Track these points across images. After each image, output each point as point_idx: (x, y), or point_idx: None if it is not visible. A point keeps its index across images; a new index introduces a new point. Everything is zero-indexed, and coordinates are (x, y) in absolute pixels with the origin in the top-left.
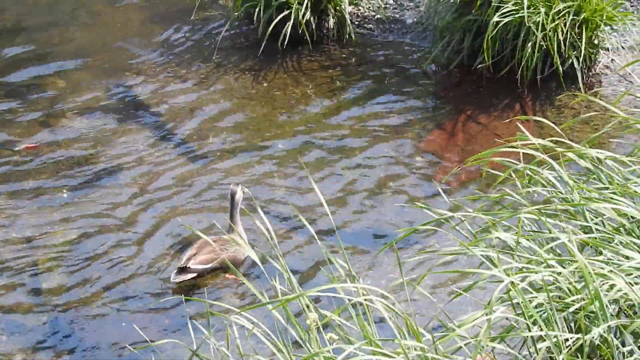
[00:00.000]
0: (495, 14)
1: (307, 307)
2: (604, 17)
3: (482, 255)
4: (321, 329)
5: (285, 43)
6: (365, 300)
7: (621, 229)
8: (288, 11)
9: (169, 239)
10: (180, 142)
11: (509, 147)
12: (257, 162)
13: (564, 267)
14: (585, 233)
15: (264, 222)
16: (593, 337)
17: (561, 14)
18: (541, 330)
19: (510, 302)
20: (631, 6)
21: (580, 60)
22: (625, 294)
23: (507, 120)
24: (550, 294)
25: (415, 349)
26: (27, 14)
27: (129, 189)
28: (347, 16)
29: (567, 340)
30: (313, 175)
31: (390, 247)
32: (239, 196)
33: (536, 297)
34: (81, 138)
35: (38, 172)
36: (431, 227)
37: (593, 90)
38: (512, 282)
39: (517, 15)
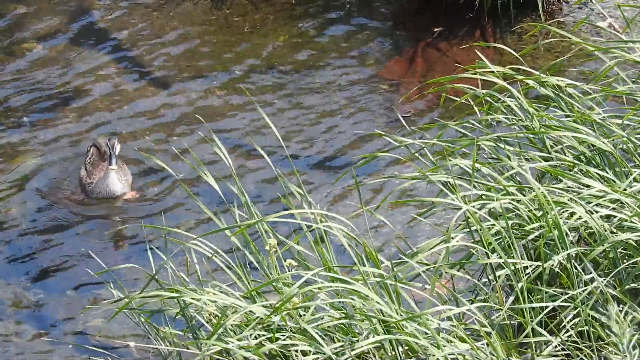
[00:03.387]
0: None
1: (266, 232)
2: None
3: (441, 182)
4: (280, 255)
5: None
6: (323, 226)
7: (581, 157)
8: None
9: (136, 171)
10: (140, 68)
11: (469, 74)
12: (216, 89)
13: (524, 195)
14: (546, 161)
15: (221, 148)
16: (552, 265)
17: None
18: (500, 258)
19: (469, 230)
20: None
21: None
22: (585, 221)
23: (466, 46)
24: (510, 222)
25: (374, 276)
26: None
27: (89, 116)
28: None
29: (526, 268)
30: (272, 103)
31: (349, 175)
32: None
33: (494, 224)
34: (42, 65)
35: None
36: (391, 155)
37: (554, 19)
38: (469, 210)
39: None
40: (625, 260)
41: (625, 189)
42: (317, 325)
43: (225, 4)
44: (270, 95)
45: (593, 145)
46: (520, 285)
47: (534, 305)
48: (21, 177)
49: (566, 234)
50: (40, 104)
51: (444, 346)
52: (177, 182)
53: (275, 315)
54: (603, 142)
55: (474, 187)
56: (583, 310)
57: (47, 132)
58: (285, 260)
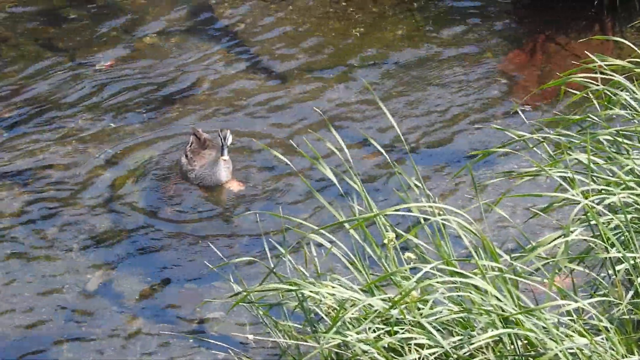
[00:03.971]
0: None
1: (384, 226)
2: None
3: (559, 177)
4: (398, 248)
5: None
6: (441, 219)
7: None
8: None
9: (245, 159)
10: (257, 61)
11: (587, 68)
12: (334, 82)
13: None
14: None
15: (339, 141)
16: None
17: None
18: (619, 252)
19: (588, 224)
20: None
21: None
22: None
23: (585, 40)
24: (629, 216)
25: (493, 270)
26: None
27: (205, 110)
28: None
29: None
30: (389, 97)
31: (467, 168)
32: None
33: (613, 219)
34: (161, 56)
35: (119, 90)
36: (509, 150)
37: None
38: (588, 204)
39: None
40: None
41: None
42: (436, 319)
43: None
44: (387, 88)
45: None
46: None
47: None
48: (139, 167)
49: None
50: (158, 97)
51: (563, 341)
52: (292, 174)
53: (393, 309)
54: None
55: (593, 181)
56: None
57: (164, 124)
58: (403, 254)
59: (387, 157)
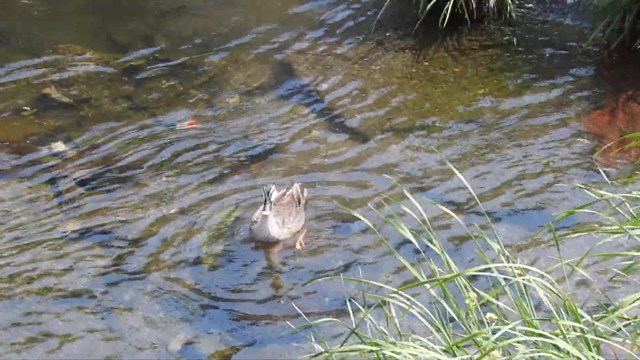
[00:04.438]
0: None
1: (465, 287)
2: None
3: None
4: (479, 308)
5: (445, 22)
6: (522, 280)
7: None
8: None
9: (329, 219)
10: (339, 120)
11: None
12: (415, 142)
13: None
14: None
15: (413, 202)
16: None
17: None
18: None
19: None
20: None
21: None
22: None
23: None
24: None
25: (574, 330)
26: None
27: (288, 168)
28: None
29: None
30: (471, 155)
31: (548, 227)
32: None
33: None
34: (242, 116)
35: (199, 149)
36: (592, 211)
37: None
38: None
39: None
40: None
41: None
42: None
43: (426, 57)
44: (468, 147)
45: None
46: None
47: None
48: (219, 226)
49: None
50: (238, 156)
51: None
52: (370, 233)
53: None
54: None
55: None
56: None
57: (244, 182)
58: (484, 314)
59: (461, 222)
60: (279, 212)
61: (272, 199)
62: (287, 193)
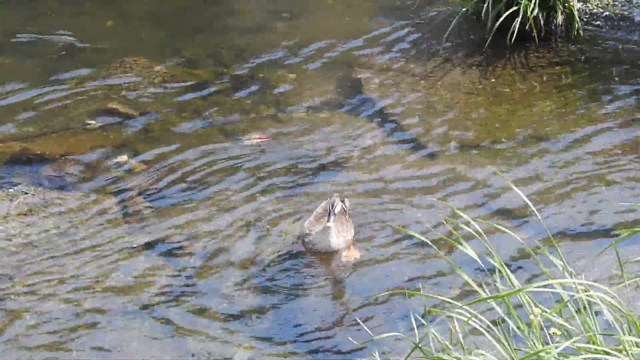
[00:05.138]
0: None
1: (528, 303)
2: None
3: None
4: (542, 325)
5: (513, 39)
6: (585, 296)
7: None
8: (517, 7)
9: (394, 235)
10: (406, 136)
11: None
12: (485, 159)
13: None
14: None
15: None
16: None
17: None
18: None
19: None
20: None
21: None
22: None
23: None
24: None
25: (638, 346)
26: (254, 6)
27: (353, 186)
28: (576, 12)
29: None
30: (537, 173)
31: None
32: (338, 208)
33: None
34: (309, 132)
35: (266, 165)
36: None
37: None
38: None
39: None
40: None
41: None
42: None
43: (493, 74)
44: (536, 165)
45: None
46: None
47: None
48: (285, 240)
49: None
50: (306, 171)
51: None
52: (432, 251)
53: None
54: None
55: None
56: None
57: (309, 198)
58: (547, 330)
59: (520, 240)
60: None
61: (336, 211)
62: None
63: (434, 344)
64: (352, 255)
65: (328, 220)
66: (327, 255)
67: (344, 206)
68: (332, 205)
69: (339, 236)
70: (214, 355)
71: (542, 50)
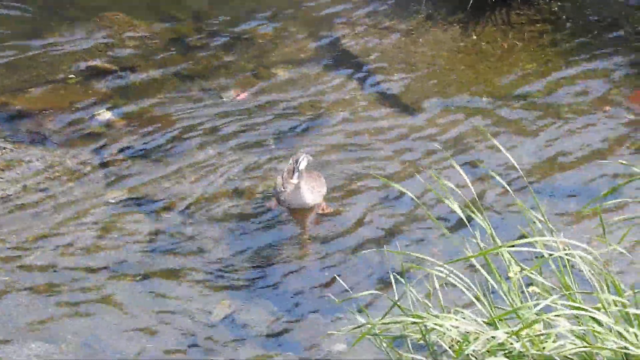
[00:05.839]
0: None
1: (508, 260)
2: None
3: None
4: (522, 282)
5: None
6: (565, 254)
7: None
8: None
9: (373, 190)
10: (387, 93)
11: None
12: (463, 116)
13: None
14: None
15: (463, 176)
16: None
17: None
18: None
19: None
20: None
21: None
22: None
23: None
24: None
25: (616, 304)
26: None
27: (333, 139)
28: None
29: None
30: (518, 131)
31: (585, 200)
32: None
33: None
34: (289, 87)
35: (246, 120)
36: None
37: None
38: None
39: None
40: None
41: None
42: (558, 353)
43: (475, 31)
44: (515, 122)
45: None
46: None
47: None
48: (268, 197)
49: None
50: (284, 128)
51: None
52: (415, 207)
53: (516, 341)
54: None
55: None
56: None
57: (290, 154)
58: (527, 288)
59: (512, 193)
60: (305, 178)
61: (301, 168)
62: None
63: (412, 301)
64: (325, 210)
65: (292, 178)
66: (303, 211)
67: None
68: (297, 162)
69: (314, 192)
70: (193, 312)
71: (523, 8)
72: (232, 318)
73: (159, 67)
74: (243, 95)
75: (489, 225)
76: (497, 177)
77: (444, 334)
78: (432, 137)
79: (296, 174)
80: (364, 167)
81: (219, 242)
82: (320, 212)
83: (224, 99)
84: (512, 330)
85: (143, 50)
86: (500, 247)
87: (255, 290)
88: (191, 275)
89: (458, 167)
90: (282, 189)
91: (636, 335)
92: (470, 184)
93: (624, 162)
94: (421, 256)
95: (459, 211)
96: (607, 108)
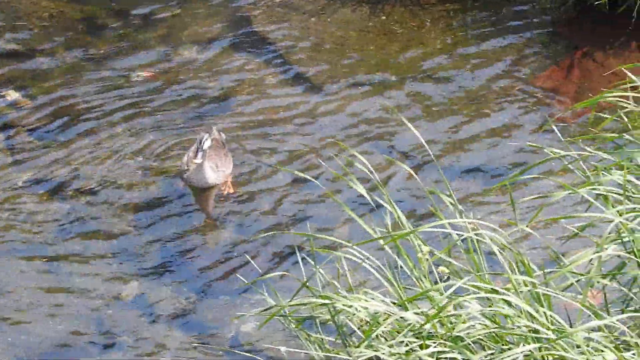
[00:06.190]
0: None
1: (418, 241)
2: None
3: (595, 194)
4: (431, 263)
5: None
6: (475, 235)
7: None
8: None
9: (281, 172)
10: (296, 73)
11: (621, 89)
12: (372, 96)
13: None
14: None
15: (363, 162)
16: None
17: None
18: None
19: (621, 242)
20: None
21: None
22: None
23: (622, 60)
24: None
25: (526, 284)
26: None
27: (240, 119)
28: None
29: None
30: (427, 111)
31: (502, 185)
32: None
33: None
34: (196, 67)
35: (154, 100)
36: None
37: None
38: (622, 222)
39: None
40: None
41: None
42: (468, 334)
43: (383, 11)
44: (424, 102)
45: None
46: None
47: None
48: (175, 177)
49: None
50: (193, 108)
51: (593, 357)
52: (320, 188)
53: (425, 322)
54: None
55: (628, 199)
56: None
57: (195, 131)
58: (436, 268)
59: (417, 178)
60: (210, 156)
61: (205, 147)
62: (211, 137)
63: (321, 283)
64: (230, 189)
65: (196, 157)
66: (206, 191)
67: (222, 140)
68: (201, 142)
69: (217, 171)
70: (101, 292)
71: None
72: (141, 298)
73: (67, 47)
74: (150, 75)
75: (395, 208)
76: (402, 162)
77: (353, 315)
78: (340, 117)
79: (200, 154)
80: (272, 148)
81: (128, 223)
82: (225, 192)
83: (133, 79)
84: (422, 312)
85: (51, 30)
86: (412, 231)
87: (164, 272)
88: (100, 256)
89: (357, 154)
90: (186, 167)
91: (546, 315)
92: (375, 165)
93: (533, 144)
94: (329, 238)
95: (364, 193)
96: (515, 87)
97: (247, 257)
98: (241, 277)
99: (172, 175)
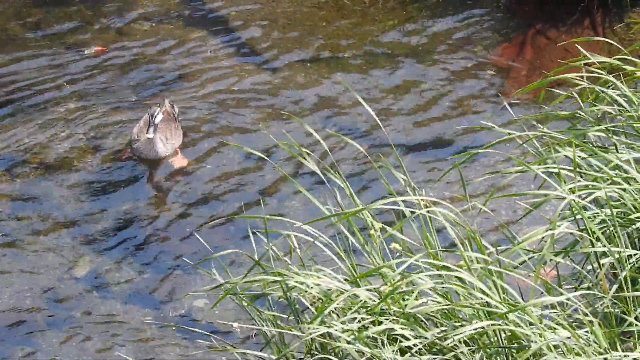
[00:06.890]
0: None
1: (370, 218)
2: None
3: (546, 172)
4: (383, 240)
5: None
6: (427, 212)
7: None
8: None
9: (233, 149)
10: (247, 49)
11: (574, 65)
12: (323, 72)
13: (630, 185)
14: None
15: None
16: None
17: None
18: (604, 246)
19: (573, 219)
20: None
21: None
22: None
23: (575, 35)
24: (615, 211)
25: (479, 262)
26: None
27: (194, 94)
28: None
29: (630, 256)
30: (379, 89)
31: (450, 159)
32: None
33: (599, 213)
34: (150, 42)
35: (108, 76)
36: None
37: None
38: (573, 200)
39: None
40: None
41: None
42: (420, 310)
43: None
44: (376, 80)
45: None
46: (624, 273)
47: (638, 294)
48: (117, 150)
49: None
50: (145, 83)
51: (546, 333)
52: (270, 165)
53: (378, 299)
54: None
55: (580, 177)
56: None
57: (146, 106)
58: (388, 245)
59: (367, 154)
60: (160, 129)
61: (156, 122)
62: (162, 110)
63: (273, 260)
64: (179, 162)
65: (147, 132)
66: (155, 163)
67: (173, 112)
68: (152, 116)
69: (167, 143)
70: (53, 269)
71: None
72: (93, 274)
73: (17, 20)
74: (102, 50)
75: (347, 185)
76: (354, 138)
77: (306, 291)
78: (293, 93)
79: (151, 128)
80: (224, 123)
81: (79, 199)
82: (174, 165)
83: (86, 54)
84: (375, 288)
85: (1, 5)
86: (364, 208)
87: (117, 247)
88: (52, 233)
89: (308, 127)
90: (136, 137)
91: (498, 292)
92: (328, 142)
93: (486, 124)
94: (280, 219)
95: (316, 169)
96: (469, 64)
97: (196, 235)
98: (188, 261)
99: (123, 146)
